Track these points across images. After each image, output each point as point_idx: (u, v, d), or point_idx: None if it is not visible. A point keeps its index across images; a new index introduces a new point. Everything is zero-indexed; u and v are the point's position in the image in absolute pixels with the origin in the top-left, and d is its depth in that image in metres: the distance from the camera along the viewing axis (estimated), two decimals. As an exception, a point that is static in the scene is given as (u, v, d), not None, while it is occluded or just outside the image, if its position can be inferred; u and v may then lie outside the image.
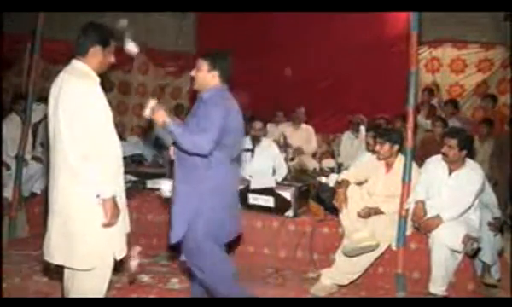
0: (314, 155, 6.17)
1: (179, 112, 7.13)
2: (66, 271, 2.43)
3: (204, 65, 2.62)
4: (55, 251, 2.31)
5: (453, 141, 3.31)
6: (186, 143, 2.44)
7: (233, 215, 2.71)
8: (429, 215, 3.34)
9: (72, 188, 2.28)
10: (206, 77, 2.61)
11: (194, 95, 8.73)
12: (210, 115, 2.47)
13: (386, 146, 3.60)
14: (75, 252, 2.30)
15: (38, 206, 4.30)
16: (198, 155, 2.46)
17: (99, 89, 2.32)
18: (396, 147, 3.60)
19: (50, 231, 2.33)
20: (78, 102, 2.22)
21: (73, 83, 2.27)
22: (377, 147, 3.66)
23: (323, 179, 4.50)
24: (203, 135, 2.43)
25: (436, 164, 3.47)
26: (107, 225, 2.28)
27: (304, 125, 6.18)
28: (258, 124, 4.52)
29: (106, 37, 2.39)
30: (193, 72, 2.65)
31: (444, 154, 3.37)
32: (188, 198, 2.53)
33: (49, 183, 2.39)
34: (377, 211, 3.50)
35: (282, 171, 4.65)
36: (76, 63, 2.37)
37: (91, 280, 2.38)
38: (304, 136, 6.10)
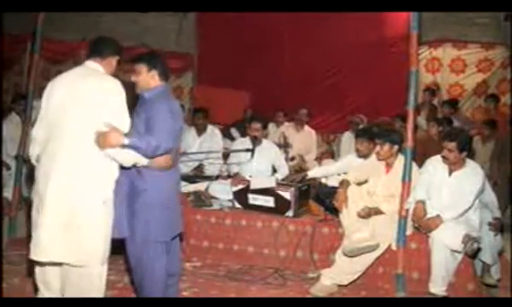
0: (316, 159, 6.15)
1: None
2: (63, 270, 2.41)
3: (142, 67, 2.64)
4: (57, 250, 2.30)
5: (452, 145, 3.30)
6: (148, 151, 2.44)
7: (173, 215, 2.71)
8: (429, 215, 3.33)
9: (81, 185, 2.30)
10: (147, 78, 2.64)
11: (195, 95, 8.77)
12: (158, 114, 2.52)
13: (386, 146, 3.60)
14: (84, 249, 2.31)
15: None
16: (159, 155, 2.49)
17: None
18: (396, 147, 3.61)
19: (48, 230, 2.29)
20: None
21: (105, 80, 2.46)
22: (377, 148, 3.68)
23: (323, 179, 4.51)
24: (158, 135, 2.46)
25: (436, 164, 3.47)
26: None
27: (307, 128, 6.16)
28: (258, 125, 4.51)
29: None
30: (133, 78, 2.67)
31: (444, 157, 3.37)
32: (128, 199, 2.57)
33: (44, 181, 2.34)
34: (377, 211, 3.50)
35: (284, 171, 4.65)
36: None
37: (92, 278, 2.39)
38: (306, 140, 6.07)
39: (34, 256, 2.33)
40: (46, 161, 2.36)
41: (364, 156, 4.09)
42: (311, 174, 4.56)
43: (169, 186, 2.66)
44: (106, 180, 2.39)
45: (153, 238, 2.59)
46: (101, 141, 2.31)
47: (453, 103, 6.27)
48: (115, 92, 2.41)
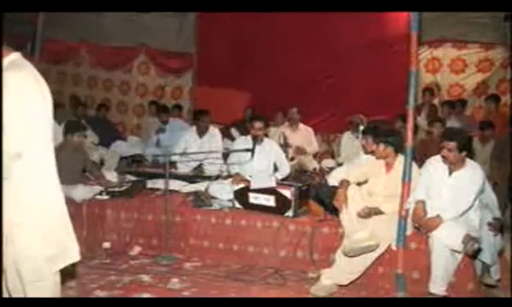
0: (315, 156, 6.16)
1: (178, 113, 7.12)
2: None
3: None
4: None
5: (452, 144, 3.29)
6: None
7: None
8: (429, 215, 3.33)
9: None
10: None
11: (194, 95, 8.75)
12: None
13: (381, 147, 3.62)
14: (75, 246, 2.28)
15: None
16: None
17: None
18: (390, 148, 3.61)
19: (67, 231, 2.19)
20: None
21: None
22: (373, 147, 3.69)
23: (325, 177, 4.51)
24: None
25: (436, 164, 3.47)
26: None
27: (302, 126, 6.16)
28: (260, 124, 4.50)
29: None
30: None
31: (444, 157, 3.37)
32: None
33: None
34: (377, 211, 3.50)
35: (285, 170, 4.63)
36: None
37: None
38: (303, 137, 6.08)
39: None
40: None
41: (370, 153, 4.08)
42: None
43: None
44: None
45: None
46: None
47: (451, 104, 6.27)
48: None
